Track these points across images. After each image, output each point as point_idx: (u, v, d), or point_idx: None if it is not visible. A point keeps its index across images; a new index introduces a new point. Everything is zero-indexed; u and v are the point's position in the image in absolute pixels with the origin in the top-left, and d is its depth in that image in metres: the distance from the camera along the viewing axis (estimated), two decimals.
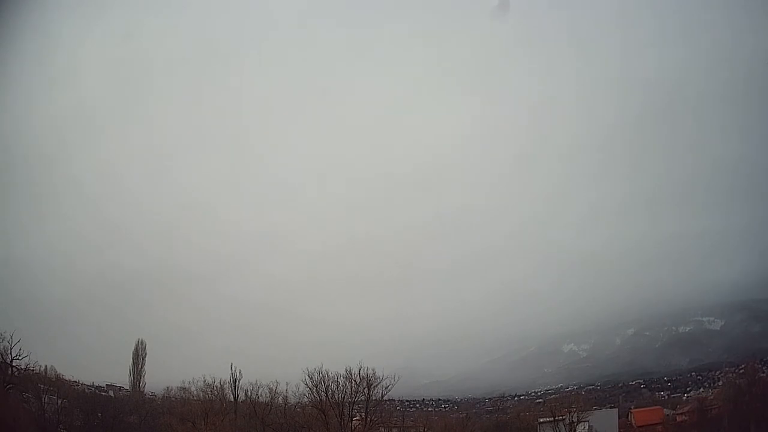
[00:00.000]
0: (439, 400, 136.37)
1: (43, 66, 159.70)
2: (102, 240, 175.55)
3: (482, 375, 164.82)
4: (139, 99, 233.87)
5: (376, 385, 63.84)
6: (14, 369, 63.12)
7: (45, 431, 60.86)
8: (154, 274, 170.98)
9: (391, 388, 66.00)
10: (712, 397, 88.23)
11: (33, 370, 67.38)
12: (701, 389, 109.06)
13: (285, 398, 71.07)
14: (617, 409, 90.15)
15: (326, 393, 62.93)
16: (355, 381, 63.37)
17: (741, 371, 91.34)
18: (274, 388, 70.50)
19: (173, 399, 79.73)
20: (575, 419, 71.50)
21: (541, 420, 77.98)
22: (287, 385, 69.73)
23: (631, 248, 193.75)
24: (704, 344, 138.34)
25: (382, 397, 66.34)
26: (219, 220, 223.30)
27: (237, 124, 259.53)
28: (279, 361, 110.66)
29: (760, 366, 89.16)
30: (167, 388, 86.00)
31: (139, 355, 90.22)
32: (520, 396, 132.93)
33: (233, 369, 70.53)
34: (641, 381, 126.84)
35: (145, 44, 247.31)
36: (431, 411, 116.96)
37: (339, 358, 73.02)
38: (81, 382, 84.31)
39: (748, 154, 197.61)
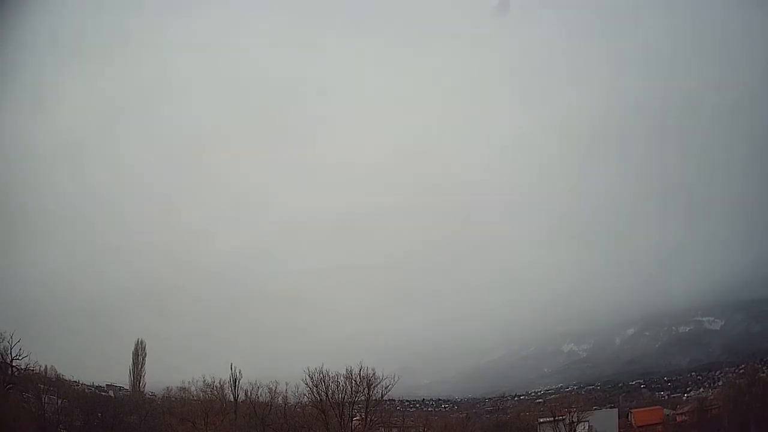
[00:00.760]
0: (439, 400, 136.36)
1: (32, 91, 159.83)
2: (102, 240, 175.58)
3: (482, 375, 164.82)
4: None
5: (376, 385, 63.92)
6: (14, 369, 63.10)
7: (45, 431, 60.86)
8: (154, 274, 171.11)
9: (391, 388, 66.07)
10: (712, 397, 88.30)
11: (33, 370, 67.38)
12: (701, 389, 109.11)
13: (285, 398, 71.06)
14: (617, 409, 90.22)
15: (326, 393, 62.95)
16: (355, 381, 63.44)
17: (741, 371, 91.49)
18: (274, 388, 70.51)
19: (173, 399, 79.66)
20: (575, 419, 71.53)
21: (541, 420, 78.01)
22: (287, 385, 69.79)
23: (631, 248, 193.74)
24: (704, 344, 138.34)
25: (382, 397, 66.37)
26: (219, 220, 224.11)
27: (231, 128, 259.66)
28: (279, 361, 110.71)
29: (760, 366, 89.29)
30: (167, 388, 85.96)
31: (139, 355, 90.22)
32: (520, 396, 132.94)
33: (233, 369, 70.58)
34: (641, 381, 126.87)
35: (134, 66, 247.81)
36: (431, 411, 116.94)
37: (339, 358, 73.13)
38: (81, 382, 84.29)
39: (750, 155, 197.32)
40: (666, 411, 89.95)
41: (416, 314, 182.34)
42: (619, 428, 79.69)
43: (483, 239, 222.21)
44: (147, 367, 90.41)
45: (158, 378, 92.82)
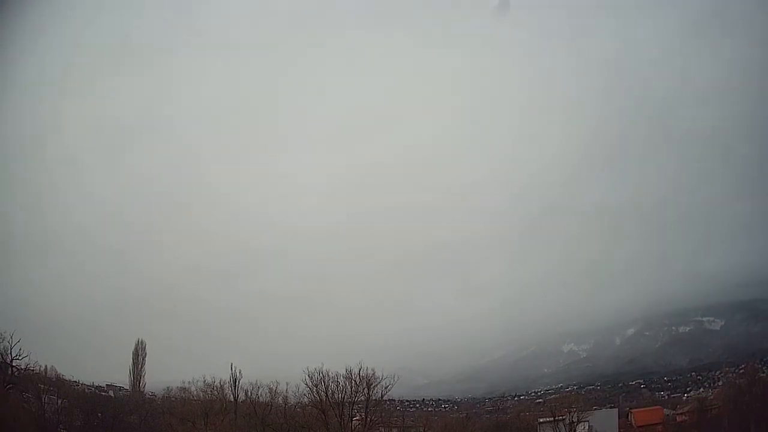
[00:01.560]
0: (439, 400, 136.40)
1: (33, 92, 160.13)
2: (102, 239, 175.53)
3: (482, 375, 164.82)
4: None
5: (376, 385, 63.92)
6: (14, 369, 63.09)
7: (45, 431, 60.84)
8: (154, 274, 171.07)
9: (391, 388, 66.10)
10: (712, 397, 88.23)
11: (33, 370, 67.35)
12: (701, 389, 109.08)
13: (285, 398, 71.07)
14: (617, 409, 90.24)
15: (326, 393, 62.95)
16: (355, 381, 63.41)
17: (741, 371, 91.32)
18: (274, 388, 70.56)
19: (173, 399, 79.67)
20: (575, 419, 71.58)
21: (541, 420, 78.04)
22: (287, 385, 69.77)
23: (631, 248, 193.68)
24: (704, 344, 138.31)
25: (382, 397, 66.39)
26: (220, 220, 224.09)
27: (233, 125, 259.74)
28: (279, 361, 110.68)
29: (760, 366, 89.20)
30: (167, 388, 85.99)
31: (139, 355, 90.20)
32: (520, 396, 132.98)
33: (233, 369, 70.59)
34: (641, 381, 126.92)
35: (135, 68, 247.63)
36: (431, 411, 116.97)
37: (339, 358, 73.12)
38: (81, 382, 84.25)
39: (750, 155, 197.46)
40: (666, 411, 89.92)
41: (416, 314, 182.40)
42: (619, 428, 79.69)
43: (483, 239, 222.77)
44: (147, 367, 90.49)
45: (158, 378, 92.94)
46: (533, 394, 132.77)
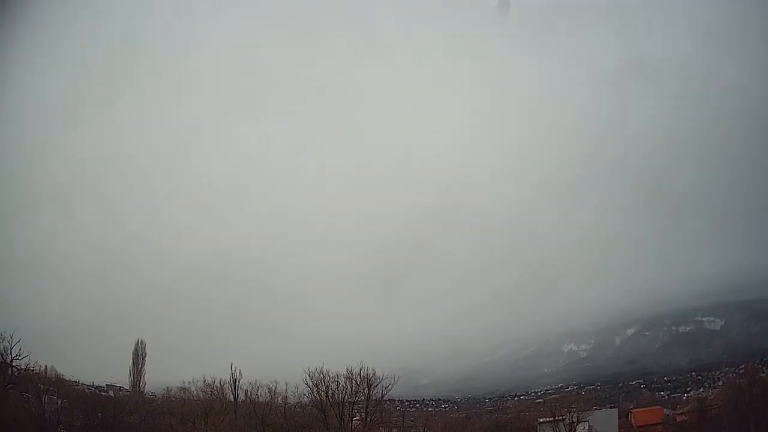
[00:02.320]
0: (439, 400, 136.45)
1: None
2: (102, 239, 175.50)
3: (482, 375, 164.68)
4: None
5: (376, 385, 64.05)
6: (14, 369, 63.06)
7: (45, 431, 60.82)
8: (154, 274, 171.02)
9: (391, 388, 66.24)
10: (712, 397, 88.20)
11: (33, 370, 67.35)
12: (701, 389, 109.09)
13: (285, 398, 71.13)
14: (617, 409, 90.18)
15: (326, 393, 62.99)
16: (355, 381, 63.51)
17: (741, 371, 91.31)
18: (274, 388, 70.61)
19: (173, 399, 79.67)
20: (575, 419, 71.58)
21: (541, 420, 78.05)
22: (287, 385, 69.84)
23: (631, 248, 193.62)
24: (704, 344, 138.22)
25: (382, 397, 66.45)
26: (219, 220, 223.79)
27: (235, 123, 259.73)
28: (279, 361, 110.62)
29: (760, 366, 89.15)
30: (167, 388, 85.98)
31: (139, 355, 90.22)
32: (520, 396, 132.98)
33: (233, 369, 70.59)
34: (641, 381, 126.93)
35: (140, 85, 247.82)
36: (431, 411, 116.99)
37: (339, 358, 73.10)
38: (81, 382, 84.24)
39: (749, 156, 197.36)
40: (666, 411, 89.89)
41: (416, 314, 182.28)
42: (619, 428, 79.67)
43: (484, 240, 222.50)
44: (147, 367, 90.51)
45: (158, 378, 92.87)
46: (533, 394, 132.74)
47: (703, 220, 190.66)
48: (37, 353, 65.76)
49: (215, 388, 68.87)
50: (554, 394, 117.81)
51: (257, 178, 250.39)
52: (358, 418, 66.50)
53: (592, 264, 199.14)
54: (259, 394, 70.52)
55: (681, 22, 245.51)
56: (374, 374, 63.61)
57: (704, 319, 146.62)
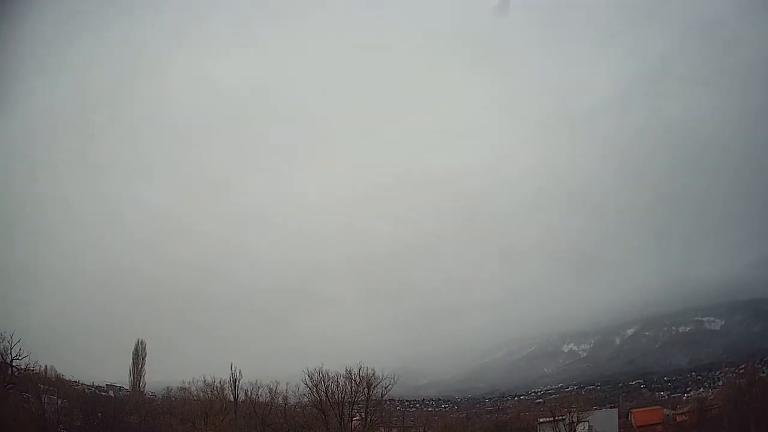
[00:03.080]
0: (439, 400, 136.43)
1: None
2: (102, 240, 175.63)
3: (482, 375, 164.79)
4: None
5: (376, 385, 63.89)
6: (14, 369, 62.98)
7: (45, 431, 60.75)
8: (154, 275, 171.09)
9: (391, 388, 66.08)
10: (712, 397, 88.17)
11: (33, 370, 67.18)
12: (701, 389, 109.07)
13: (285, 398, 70.99)
14: (617, 409, 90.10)
15: (326, 393, 62.87)
16: (355, 381, 63.35)
17: (741, 371, 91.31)
18: (274, 388, 70.47)
19: (173, 399, 79.63)
20: (575, 419, 71.45)
21: (541, 420, 77.96)
22: (287, 385, 69.72)
23: (630, 248, 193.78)
24: (704, 344, 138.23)
25: (382, 397, 66.35)
26: (219, 220, 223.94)
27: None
28: (279, 361, 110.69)
29: (760, 366, 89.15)
30: (167, 388, 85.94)
31: (139, 355, 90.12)
32: (520, 396, 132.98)
33: (233, 369, 70.44)
34: (641, 381, 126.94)
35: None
36: (431, 411, 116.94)
37: (339, 358, 73.12)
38: (81, 382, 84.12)
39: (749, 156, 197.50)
40: (666, 411, 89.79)
41: (416, 314, 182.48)
42: (619, 428, 79.59)
43: (484, 241, 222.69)
44: (147, 367, 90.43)
45: (158, 378, 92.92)
46: (533, 394, 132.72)
47: (703, 220, 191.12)
48: (37, 353, 65.71)
49: (215, 388, 68.77)
50: (554, 394, 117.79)
51: (258, 181, 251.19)
52: (358, 418, 66.42)
53: (593, 264, 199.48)
54: (259, 394, 70.48)
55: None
56: (374, 374, 63.55)
57: (704, 319, 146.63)
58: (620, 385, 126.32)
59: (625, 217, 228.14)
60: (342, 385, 63.31)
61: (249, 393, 70.28)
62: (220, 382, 69.06)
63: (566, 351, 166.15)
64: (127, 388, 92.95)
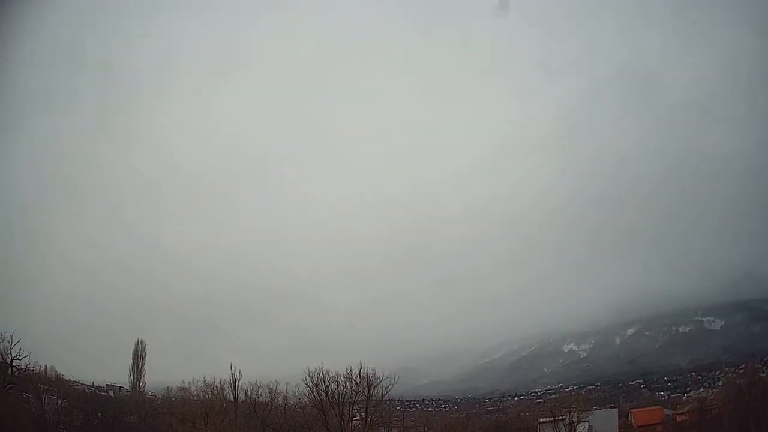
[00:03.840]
0: (439, 400, 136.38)
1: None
2: (102, 240, 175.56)
3: (482, 375, 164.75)
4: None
5: (376, 385, 63.86)
6: (14, 369, 62.98)
7: (45, 431, 60.74)
8: (154, 275, 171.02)
9: (391, 388, 66.07)
10: (712, 397, 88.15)
11: (33, 370, 67.19)
12: (701, 389, 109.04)
13: (285, 398, 70.95)
14: (617, 409, 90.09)
15: (326, 393, 62.85)
16: (355, 381, 63.34)
17: (741, 371, 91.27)
18: (274, 388, 70.44)
19: (173, 399, 79.60)
20: (575, 419, 71.47)
21: (541, 420, 77.97)
22: (287, 385, 69.72)
23: (630, 247, 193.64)
24: (704, 344, 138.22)
25: (382, 397, 66.31)
26: (219, 221, 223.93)
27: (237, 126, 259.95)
28: (279, 361, 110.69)
29: (760, 366, 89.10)
30: (167, 388, 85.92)
31: (139, 355, 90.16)
32: (520, 396, 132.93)
33: (233, 369, 70.38)
34: (641, 381, 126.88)
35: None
36: (431, 411, 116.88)
37: (339, 358, 73.11)
38: (81, 382, 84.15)
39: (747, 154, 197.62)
40: (666, 411, 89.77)
41: (416, 314, 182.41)
42: (619, 428, 79.59)
43: (484, 241, 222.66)
44: (147, 367, 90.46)
45: (158, 378, 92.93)
46: (533, 394, 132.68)
47: (703, 220, 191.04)
48: (37, 353, 65.77)
49: (215, 388, 68.68)
50: (554, 394, 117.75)
51: (257, 181, 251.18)
52: (358, 418, 66.41)
53: (592, 264, 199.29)
54: (259, 394, 70.44)
55: None
56: (374, 374, 63.54)
57: (704, 319, 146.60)
58: (620, 385, 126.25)
59: (626, 218, 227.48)
60: (342, 385, 63.35)
61: (249, 393, 70.28)
62: (220, 382, 69.04)
63: (566, 351, 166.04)
64: (127, 388, 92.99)
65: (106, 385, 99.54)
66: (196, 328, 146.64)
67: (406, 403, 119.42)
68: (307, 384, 63.58)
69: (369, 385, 63.43)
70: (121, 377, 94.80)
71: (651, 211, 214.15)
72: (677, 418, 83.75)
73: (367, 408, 65.05)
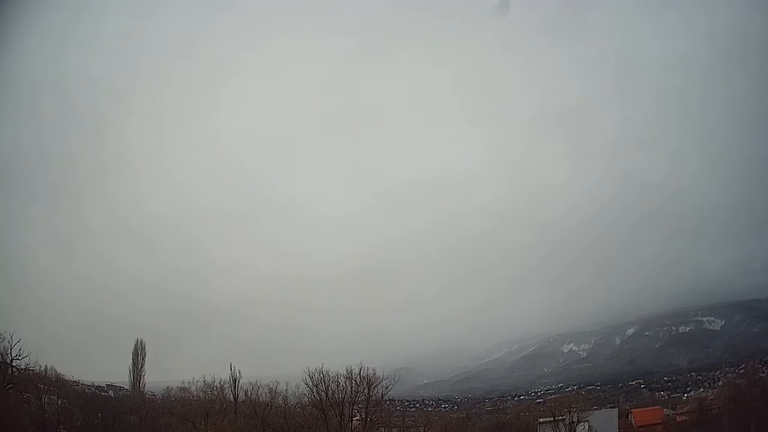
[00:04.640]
0: (439, 400, 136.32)
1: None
2: (102, 241, 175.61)
3: (482, 375, 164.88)
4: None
5: (376, 385, 63.74)
6: (14, 369, 62.99)
7: (45, 431, 60.74)
8: (154, 275, 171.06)
9: (391, 388, 66.06)
10: (712, 397, 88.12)
11: (33, 370, 67.18)
12: (701, 389, 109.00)
13: (285, 398, 70.89)
14: (617, 409, 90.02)
15: (326, 393, 62.75)
16: (355, 381, 63.18)
17: (741, 371, 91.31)
18: (274, 388, 70.42)
19: (173, 399, 79.49)
20: (575, 419, 71.49)
21: (541, 420, 77.96)
22: (287, 385, 69.72)
23: (630, 248, 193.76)
24: (704, 344, 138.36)
25: (382, 397, 66.22)
26: (219, 220, 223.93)
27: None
28: (279, 361, 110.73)
29: (760, 366, 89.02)
30: (167, 388, 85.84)
31: (139, 355, 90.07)
32: (520, 396, 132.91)
33: (233, 369, 70.36)
34: (641, 381, 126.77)
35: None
36: (431, 411, 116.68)
37: (339, 358, 73.06)
38: (81, 382, 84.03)
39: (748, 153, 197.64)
40: (666, 411, 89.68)
41: (417, 314, 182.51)
42: (619, 428, 79.48)
43: (484, 241, 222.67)
44: (147, 367, 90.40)
45: (158, 378, 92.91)
46: (533, 394, 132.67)
47: (703, 220, 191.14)
48: (37, 353, 65.85)
49: (215, 388, 68.64)
50: (554, 394, 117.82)
51: (257, 182, 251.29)
52: (358, 418, 66.32)
53: (592, 264, 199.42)
54: (259, 394, 70.41)
55: None
56: (374, 374, 63.41)
57: (704, 319, 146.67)
58: (620, 385, 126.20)
59: (626, 218, 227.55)
60: (342, 385, 63.20)
61: (249, 393, 70.26)
62: (220, 382, 68.95)
63: (566, 351, 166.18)
64: (127, 388, 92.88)
65: (106, 385, 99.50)
66: (196, 328, 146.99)
67: (406, 403, 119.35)
68: (307, 384, 63.51)
69: (369, 385, 63.32)
70: (121, 377, 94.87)
71: (651, 211, 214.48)
72: (677, 418, 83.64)
73: (367, 408, 64.95)
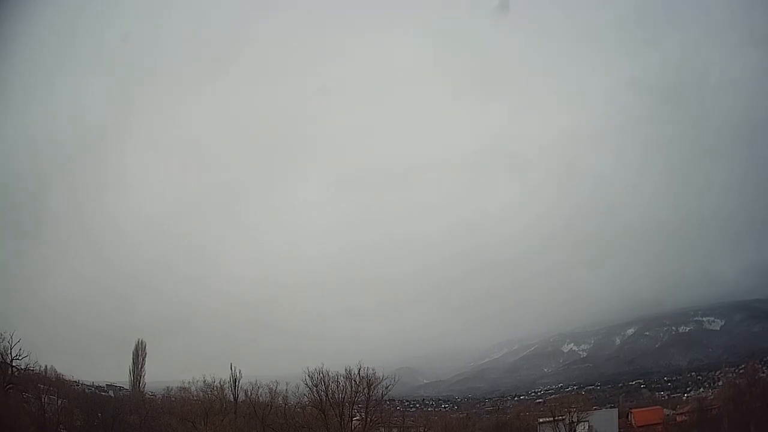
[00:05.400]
0: (439, 400, 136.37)
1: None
2: (102, 241, 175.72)
3: (482, 375, 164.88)
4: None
5: (376, 385, 63.68)
6: (14, 369, 62.99)
7: (45, 431, 60.74)
8: (154, 276, 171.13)
9: (391, 388, 65.99)
10: (712, 397, 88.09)
11: (33, 370, 67.18)
12: (701, 389, 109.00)
13: (285, 398, 70.81)
14: (617, 409, 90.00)
15: (326, 393, 62.72)
16: (355, 381, 63.13)
17: (741, 371, 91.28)
18: (274, 388, 70.31)
19: (173, 399, 79.46)
20: (575, 419, 71.52)
21: (541, 420, 77.98)
22: (287, 385, 69.64)
23: (630, 248, 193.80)
24: (704, 344, 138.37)
25: (382, 397, 66.18)
26: (219, 221, 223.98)
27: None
28: (279, 361, 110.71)
29: (760, 366, 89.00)
30: (167, 388, 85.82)
31: (139, 355, 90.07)
32: (520, 396, 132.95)
33: (233, 369, 70.27)
34: (641, 381, 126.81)
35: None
36: (431, 411, 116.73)
37: (339, 358, 73.06)
38: (81, 382, 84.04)
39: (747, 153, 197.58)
40: (666, 411, 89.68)
41: (417, 314, 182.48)
42: (619, 428, 79.48)
43: (484, 242, 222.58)
44: (147, 367, 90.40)
45: (158, 378, 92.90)
46: (533, 394, 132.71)
47: (702, 220, 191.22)
48: (37, 353, 65.86)
49: (215, 388, 68.60)
50: (554, 394, 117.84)
51: (257, 182, 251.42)
52: (358, 418, 66.28)
53: (592, 264, 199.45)
54: (259, 394, 70.34)
55: None
56: (374, 374, 63.39)
57: (704, 319, 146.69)
58: (620, 385, 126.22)
59: (626, 218, 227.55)
60: (342, 385, 63.14)
61: (249, 393, 70.17)
62: (220, 382, 68.85)
63: (566, 351, 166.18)
64: (127, 388, 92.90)
65: (106, 385, 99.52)
66: (196, 328, 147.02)
67: (406, 403, 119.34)
68: (307, 384, 63.46)
69: (369, 385, 63.27)
70: (121, 377, 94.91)
71: (651, 211, 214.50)
72: (677, 418, 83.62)
73: (367, 408, 64.92)
